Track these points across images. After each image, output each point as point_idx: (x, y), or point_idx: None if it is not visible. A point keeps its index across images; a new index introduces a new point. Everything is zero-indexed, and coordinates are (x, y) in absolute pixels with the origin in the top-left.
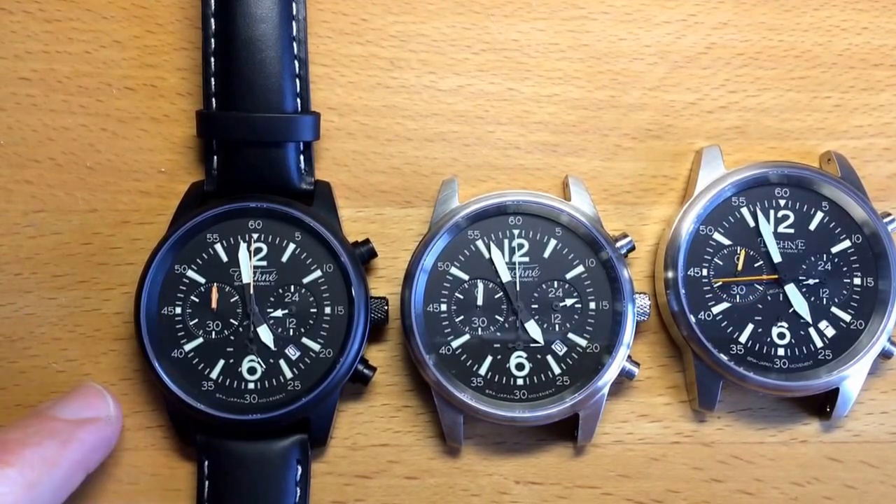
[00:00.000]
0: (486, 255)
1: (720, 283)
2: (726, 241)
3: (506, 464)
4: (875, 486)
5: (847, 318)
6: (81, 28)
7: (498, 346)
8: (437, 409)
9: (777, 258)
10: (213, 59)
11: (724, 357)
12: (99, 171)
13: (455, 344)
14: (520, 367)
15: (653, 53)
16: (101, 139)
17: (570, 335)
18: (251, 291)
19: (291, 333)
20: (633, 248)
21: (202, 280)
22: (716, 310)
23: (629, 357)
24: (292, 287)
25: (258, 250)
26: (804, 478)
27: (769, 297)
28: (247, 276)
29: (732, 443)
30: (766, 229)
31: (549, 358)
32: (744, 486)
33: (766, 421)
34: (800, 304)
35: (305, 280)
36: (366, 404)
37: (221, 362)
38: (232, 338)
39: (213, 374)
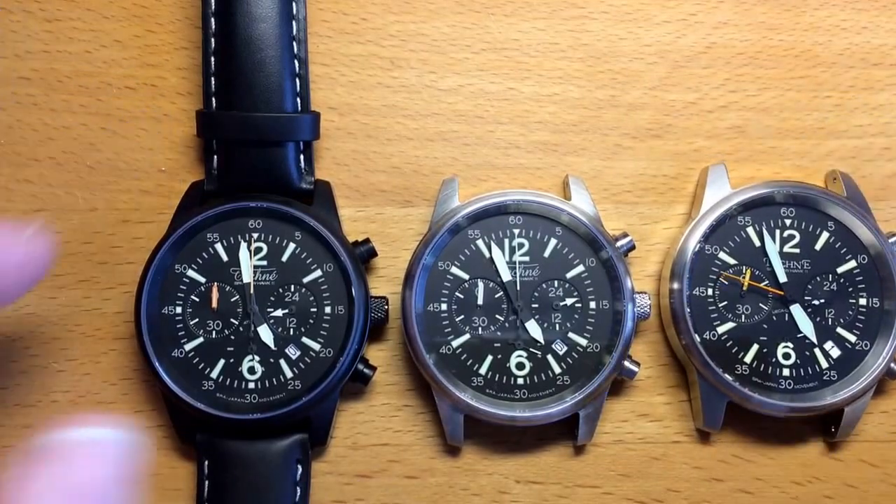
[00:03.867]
0: (487, 255)
1: (727, 276)
2: (732, 261)
3: (506, 463)
4: (875, 485)
5: (852, 338)
6: (82, 27)
7: (498, 345)
8: (438, 409)
9: (783, 278)
10: (212, 59)
11: (728, 377)
12: (99, 171)
13: (455, 343)
14: (520, 366)
15: (653, 53)
16: (101, 138)
17: (571, 334)
18: (251, 291)
19: (291, 333)
20: (633, 248)
21: (202, 279)
22: (721, 329)
23: (629, 356)
24: (292, 286)
25: (258, 250)
26: (804, 477)
27: (774, 317)
28: (247, 276)
29: (733, 442)
30: (772, 249)
31: (550, 357)
32: (744, 485)
33: (766, 420)
34: (805, 325)
35: (305, 279)
36: (366, 404)
37: (222, 362)
38: (232, 337)
39: (214, 374)
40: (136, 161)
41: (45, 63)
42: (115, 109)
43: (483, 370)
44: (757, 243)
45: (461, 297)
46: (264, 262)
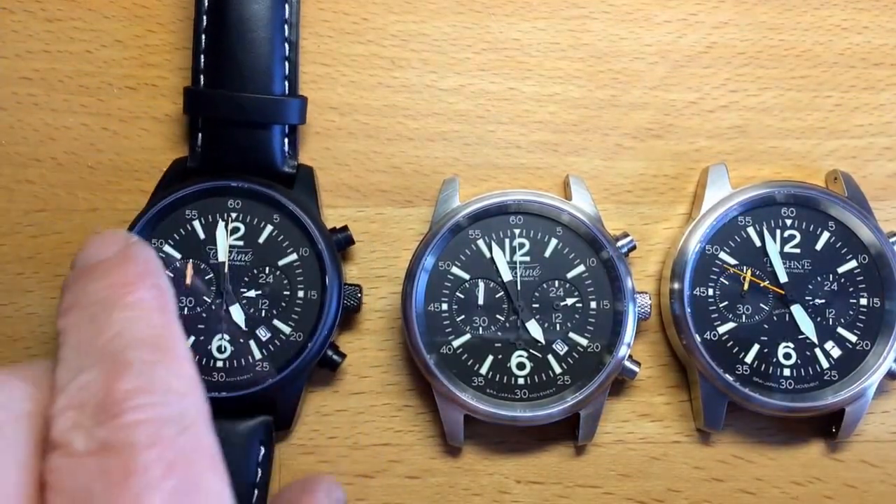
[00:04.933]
0: (487, 255)
1: (730, 271)
2: (732, 261)
3: (507, 463)
4: (876, 485)
5: (853, 338)
6: (82, 27)
7: (499, 345)
8: (438, 409)
9: (783, 278)
10: (203, 36)
11: (729, 378)
12: (100, 171)
13: (456, 343)
14: (521, 366)
15: (653, 53)
16: (102, 138)
17: (571, 334)
18: (226, 270)
19: (263, 314)
20: (633, 248)
21: (178, 255)
22: (721, 330)
23: (630, 356)
24: (267, 268)
25: (236, 229)
26: (805, 477)
27: (775, 317)
28: (222, 255)
29: (733, 442)
30: (773, 249)
31: (550, 357)
32: (744, 485)
33: (766, 420)
34: (806, 325)
35: (281, 262)
36: (367, 404)
37: (192, 339)
38: (204, 315)
39: None
40: (137, 161)
41: (45, 63)
42: (115, 109)
43: (484, 370)
44: (757, 243)
45: (462, 297)
46: (241, 243)
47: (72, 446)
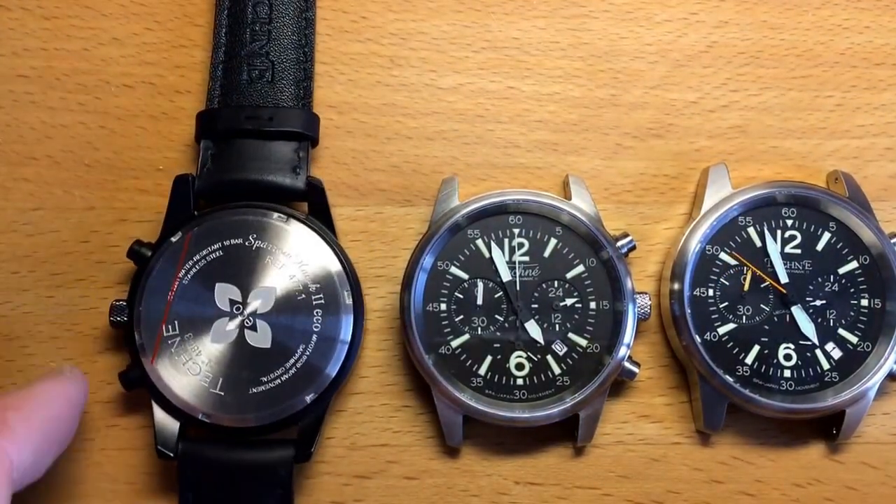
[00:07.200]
0: (486, 255)
1: (737, 261)
2: (733, 261)
3: (505, 464)
4: (876, 487)
5: (854, 339)
6: (80, 25)
7: (498, 345)
8: (437, 410)
9: (784, 279)
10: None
11: (729, 378)
12: (97, 169)
13: (455, 343)
14: (520, 367)
15: (654, 52)
16: (99, 137)
17: (571, 335)
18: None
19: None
20: (633, 248)
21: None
22: (721, 330)
23: (630, 357)
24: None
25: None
26: (805, 479)
27: (775, 318)
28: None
29: (733, 443)
30: (773, 249)
31: (549, 358)
32: (744, 487)
33: (766, 421)
34: (806, 326)
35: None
36: (365, 404)
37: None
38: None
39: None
40: (134, 160)
41: (43, 61)
42: (113, 108)
43: (482, 371)
44: (758, 244)
45: (461, 297)
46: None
47: None
